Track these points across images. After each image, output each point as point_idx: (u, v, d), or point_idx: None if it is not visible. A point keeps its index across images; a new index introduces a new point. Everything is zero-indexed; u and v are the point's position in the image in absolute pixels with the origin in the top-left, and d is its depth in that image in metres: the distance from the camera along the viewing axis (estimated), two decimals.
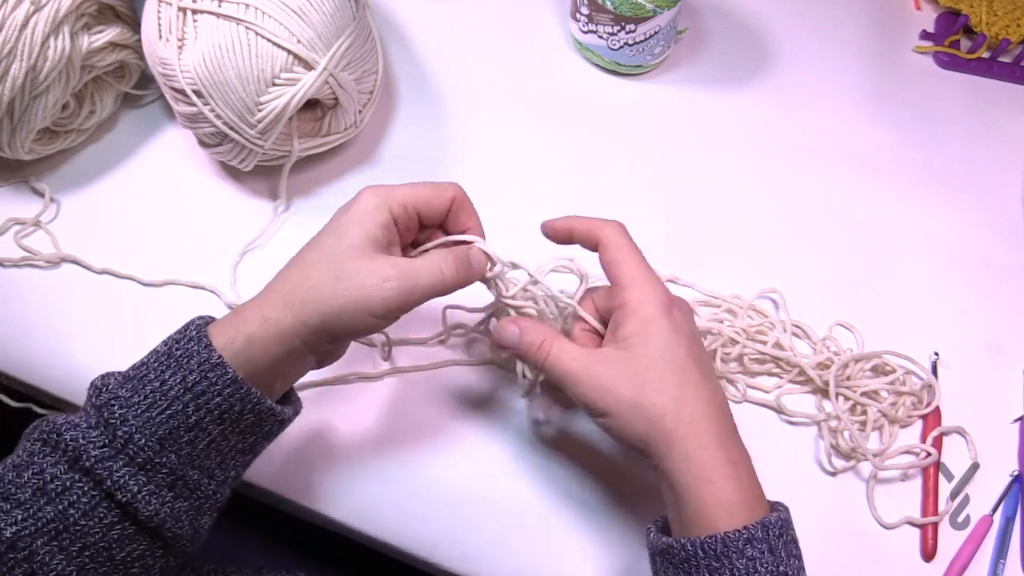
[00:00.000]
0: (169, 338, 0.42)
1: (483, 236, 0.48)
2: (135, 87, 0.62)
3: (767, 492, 0.53)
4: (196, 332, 0.41)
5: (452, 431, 0.54)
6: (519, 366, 0.53)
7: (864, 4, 0.78)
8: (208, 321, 0.43)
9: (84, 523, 0.38)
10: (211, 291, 0.57)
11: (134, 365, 0.42)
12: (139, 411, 0.39)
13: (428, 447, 0.54)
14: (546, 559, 0.51)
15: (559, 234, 0.49)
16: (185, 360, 0.40)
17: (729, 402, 0.56)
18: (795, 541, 0.42)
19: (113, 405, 0.40)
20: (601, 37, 0.67)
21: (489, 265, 0.48)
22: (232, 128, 0.55)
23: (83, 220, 0.59)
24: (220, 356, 0.40)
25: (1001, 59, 0.75)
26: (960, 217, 0.67)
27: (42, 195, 0.59)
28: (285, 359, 0.43)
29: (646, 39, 0.66)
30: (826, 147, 0.69)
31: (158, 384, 0.40)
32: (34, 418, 0.54)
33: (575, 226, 0.48)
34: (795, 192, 0.66)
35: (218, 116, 0.54)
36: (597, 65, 0.71)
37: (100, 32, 0.57)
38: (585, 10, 0.66)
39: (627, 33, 0.66)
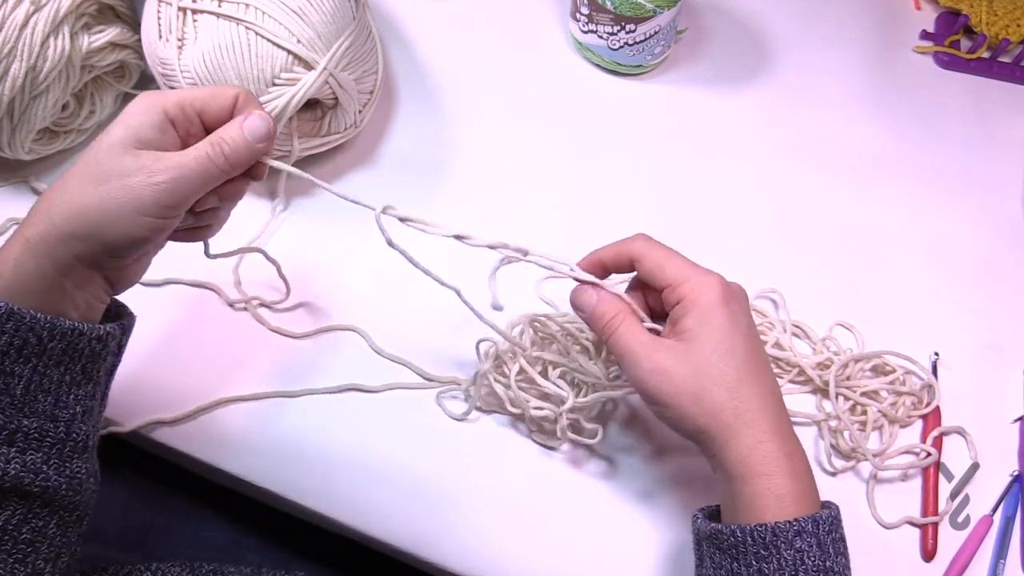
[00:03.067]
0: None
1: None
2: (135, 87, 0.62)
3: None
4: None
5: (451, 432, 0.54)
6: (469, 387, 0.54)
7: (864, 4, 0.78)
8: None
9: None
10: (212, 289, 0.57)
11: None
12: None
13: (427, 448, 0.54)
14: (545, 559, 0.51)
15: (593, 269, 0.48)
16: None
17: None
18: (843, 540, 0.42)
19: None
20: (601, 37, 0.67)
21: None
22: None
23: None
24: None
25: (1001, 59, 0.75)
26: (960, 217, 0.67)
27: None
28: (62, 278, 0.39)
29: (646, 39, 0.66)
30: (826, 147, 0.69)
31: None
32: None
33: (602, 255, 0.48)
34: (795, 192, 0.66)
35: None
36: (597, 65, 0.71)
37: (100, 32, 0.57)
38: (585, 10, 0.66)
39: (627, 33, 0.66)
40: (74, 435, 0.40)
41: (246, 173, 0.43)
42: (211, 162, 0.40)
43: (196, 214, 0.44)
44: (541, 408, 0.52)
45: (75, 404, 0.40)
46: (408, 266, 0.47)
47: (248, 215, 0.60)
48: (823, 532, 0.41)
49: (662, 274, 0.45)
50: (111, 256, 0.40)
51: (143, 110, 0.40)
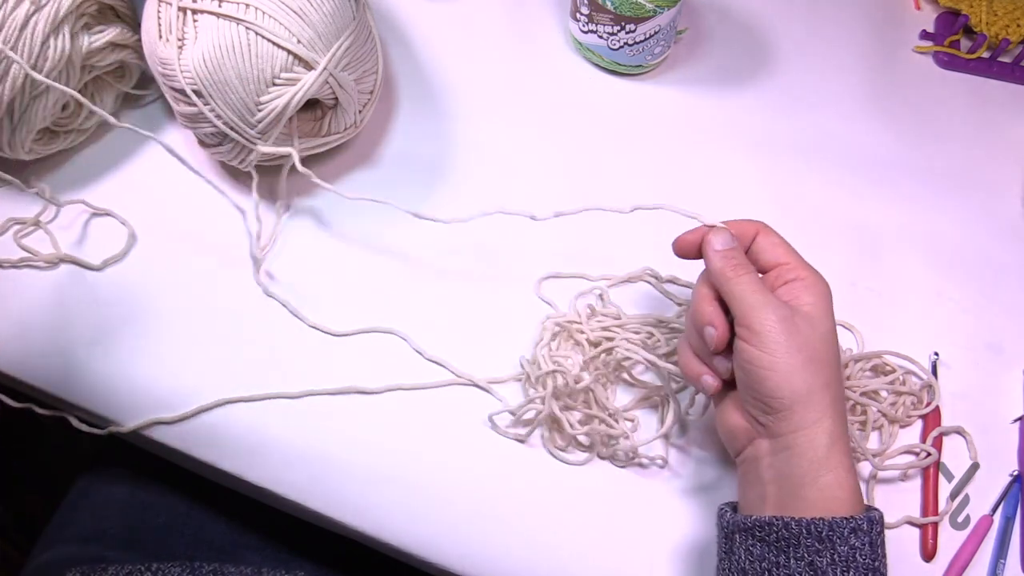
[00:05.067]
0: None
1: None
2: (135, 87, 0.62)
3: None
4: None
5: (450, 432, 0.54)
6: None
7: (864, 4, 0.78)
8: None
9: None
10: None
11: None
12: None
13: (427, 448, 0.54)
14: (545, 559, 0.51)
15: (697, 238, 0.49)
16: None
17: None
18: (885, 543, 0.43)
19: None
20: (601, 37, 0.67)
21: None
22: (232, 128, 0.55)
23: (83, 220, 0.59)
24: None
25: (1001, 59, 0.75)
26: (960, 217, 0.67)
27: (42, 195, 0.59)
28: None
29: (646, 39, 0.66)
30: (826, 147, 0.69)
31: None
32: (34, 418, 0.54)
33: (730, 227, 0.49)
34: (795, 192, 0.66)
35: (218, 116, 0.54)
36: (597, 65, 0.71)
37: (100, 32, 0.57)
38: (585, 10, 0.66)
39: (627, 33, 0.66)
40: None
41: None
42: None
43: None
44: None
45: None
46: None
47: (250, 215, 0.60)
48: (875, 532, 0.41)
49: (781, 251, 0.48)
50: None
51: None
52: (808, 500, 0.42)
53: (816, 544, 0.40)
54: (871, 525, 0.41)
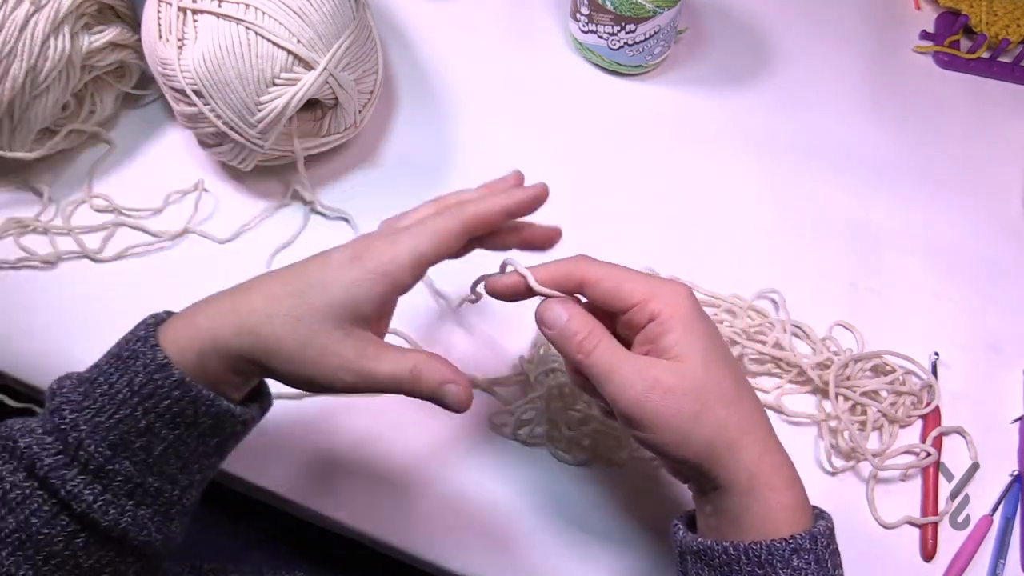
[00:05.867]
0: (121, 338, 0.40)
1: None
2: (135, 87, 0.62)
3: None
4: (144, 332, 0.39)
5: (451, 434, 0.54)
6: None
7: (864, 4, 0.78)
8: (161, 319, 0.41)
9: (46, 532, 0.37)
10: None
11: (90, 367, 0.40)
12: (89, 415, 0.38)
13: (428, 448, 0.54)
14: (545, 559, 0.51)
15: (517, 291, 0.43)
16: (132, 361, 0.38)
17: None
18: (837, 551, 0.41)
19: (64, 409, 0.38)
20: (601, 37, 0.67)
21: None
22: (232, 128, 0.55)
23: (82, 220, 0.59)
24: (166, 357, 0.38)
25: (1001, 59, 0.75)
26: (960, 217, 0.67)
27: (42, 195, 0.59)
28: (235, 375, 0.40)
29: (646, 39, 0.66)
30: (826, 147, 0.69)
31: (107, 387, 0.38)
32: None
33: (540, 275, 0.42)
34: (795, 192, 0.66)
35: (218, 116, 0.54)
36: (597, 65, 0.71)
37: (100, 32, 0.57)
38: (585, 10, 0.66)
39: (627, 33, 0.66)
40: (185, 500, 0.41)
41: None
42: (399, 383, 0.41)
43: None
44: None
45: (197, 472, 0.41)
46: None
47: (249, 216, 0.60)
48: (821, 547, 0.39)
49: (624, 293, 0.41)
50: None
51: (373, 281, 0.40)
52: (747, 527, 0.40)
53: (756, 569, 0.38)
54: (814, 542, 0.39)
